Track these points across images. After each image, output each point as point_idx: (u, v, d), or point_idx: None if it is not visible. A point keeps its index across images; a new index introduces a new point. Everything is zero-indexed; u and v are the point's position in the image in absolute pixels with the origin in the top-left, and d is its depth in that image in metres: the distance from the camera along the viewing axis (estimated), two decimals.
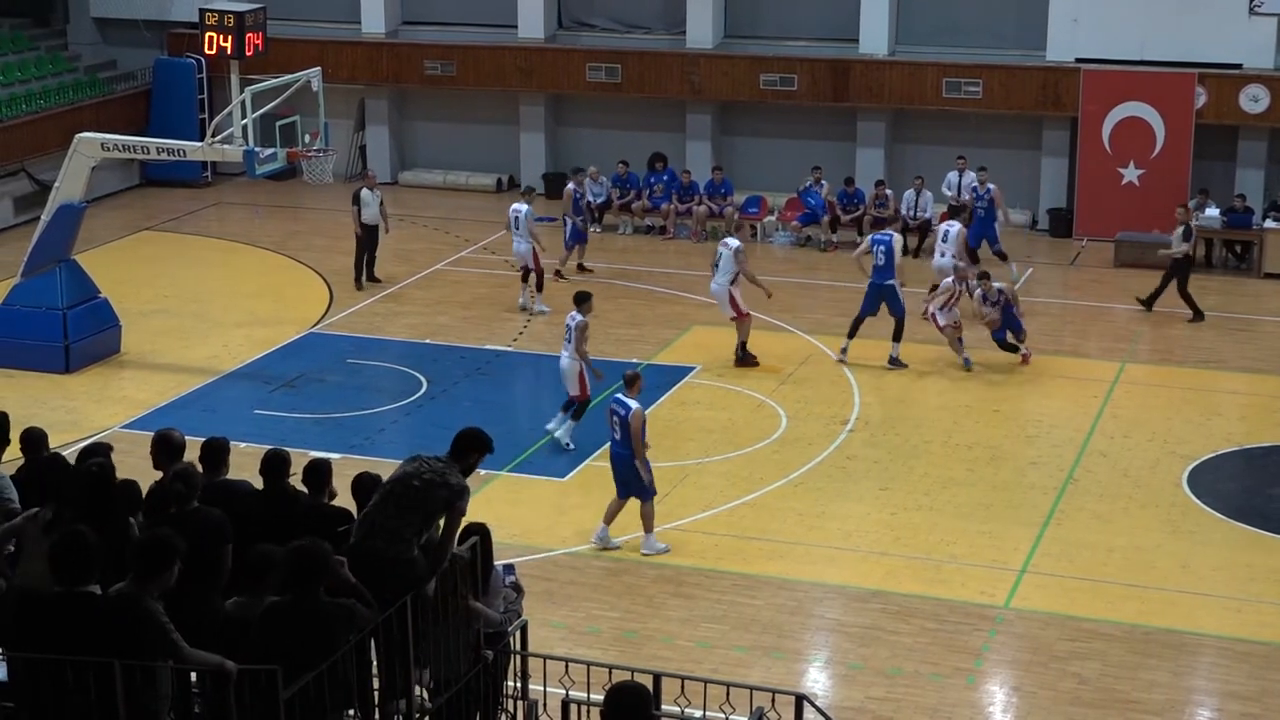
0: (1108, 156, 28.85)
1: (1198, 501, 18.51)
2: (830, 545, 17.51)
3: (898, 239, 23.16)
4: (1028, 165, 30.09)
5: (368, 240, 26.32)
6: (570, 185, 27.29)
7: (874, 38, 30.35)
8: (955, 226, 24.76)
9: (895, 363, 22.58)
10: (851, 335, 22.74)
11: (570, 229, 26.94)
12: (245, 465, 11.87)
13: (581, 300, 20.00)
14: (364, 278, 26.33)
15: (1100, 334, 24.69)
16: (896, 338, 22.63)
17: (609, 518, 17.28)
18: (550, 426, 20.00)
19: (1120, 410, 21.31)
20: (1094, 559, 17.13)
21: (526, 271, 25.11)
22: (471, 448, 10.28)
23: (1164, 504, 18.47)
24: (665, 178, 29.88)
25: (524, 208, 24.96)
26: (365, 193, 26.18)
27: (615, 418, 16.89)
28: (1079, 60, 29.09)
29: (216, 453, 11.27)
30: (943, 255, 24.43)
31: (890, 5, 30.26)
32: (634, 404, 16.84)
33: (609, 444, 17.33)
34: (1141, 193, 28.67)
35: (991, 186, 26.89)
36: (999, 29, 30.18)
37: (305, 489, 11.07)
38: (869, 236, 23.81)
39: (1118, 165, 28.85)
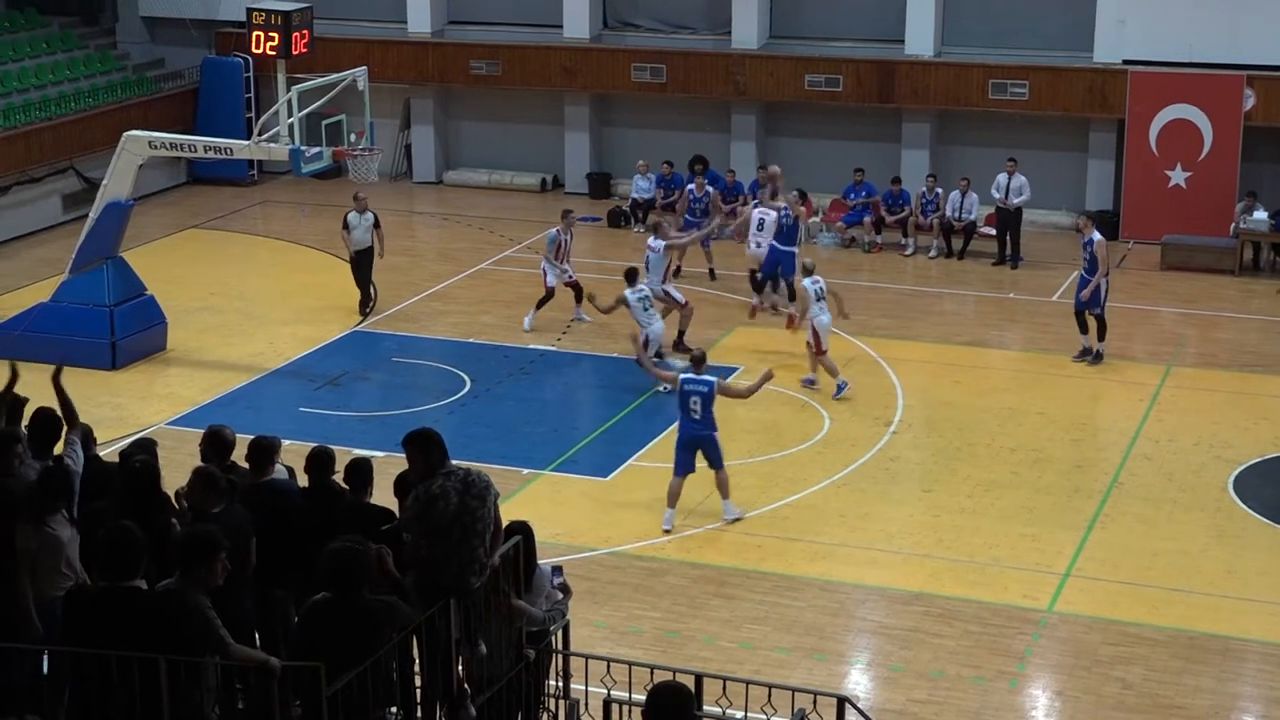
0: (1155, 158, 28.68)
1: (1243, 506, 18.39)
2: (873, 547, 17.47)
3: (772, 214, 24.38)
4: (1074, 167, 29.93)
5: (360, 265, 25.15)
6: (689, 188, 27.39)
7: (920, 38, 30.25)
8: (770, 214, 24.66)
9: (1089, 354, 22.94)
10: (1085, 329, 23.08)
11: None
12: (289, 462, 11.91)
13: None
14: (373, 301, 25.37)
15: (1146, 337, 24.54)
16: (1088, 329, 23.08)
17: (674, 500, 17.60)
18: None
19: (1166, 414, 21.18)
20: (1138, 563, 17.04)
21: (549, 291, 24.35)
22: (440, 443, 9.95)
23: (1209, 508, 18.35)
24: (707, 179, 29.79)
25: (550, 233, 24.48)
26: (353, 215, 25.05)
27: (695, 397, 17.46)
28: (1126, 61, 28.93)
29: (264, 451, 11.26)
30: (759, 245, 24.63)
31: (936, 6, 30.15)
32: (712, 378, 17.69)
33: (680, 428, 17.71)
34: (1189, 195, 28.50)
35: (788, 201, 24.81)
36: (1045, 30, 30.03)
37: (347, 487, 11.11)
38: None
39: (1165, 167, 28.68)
